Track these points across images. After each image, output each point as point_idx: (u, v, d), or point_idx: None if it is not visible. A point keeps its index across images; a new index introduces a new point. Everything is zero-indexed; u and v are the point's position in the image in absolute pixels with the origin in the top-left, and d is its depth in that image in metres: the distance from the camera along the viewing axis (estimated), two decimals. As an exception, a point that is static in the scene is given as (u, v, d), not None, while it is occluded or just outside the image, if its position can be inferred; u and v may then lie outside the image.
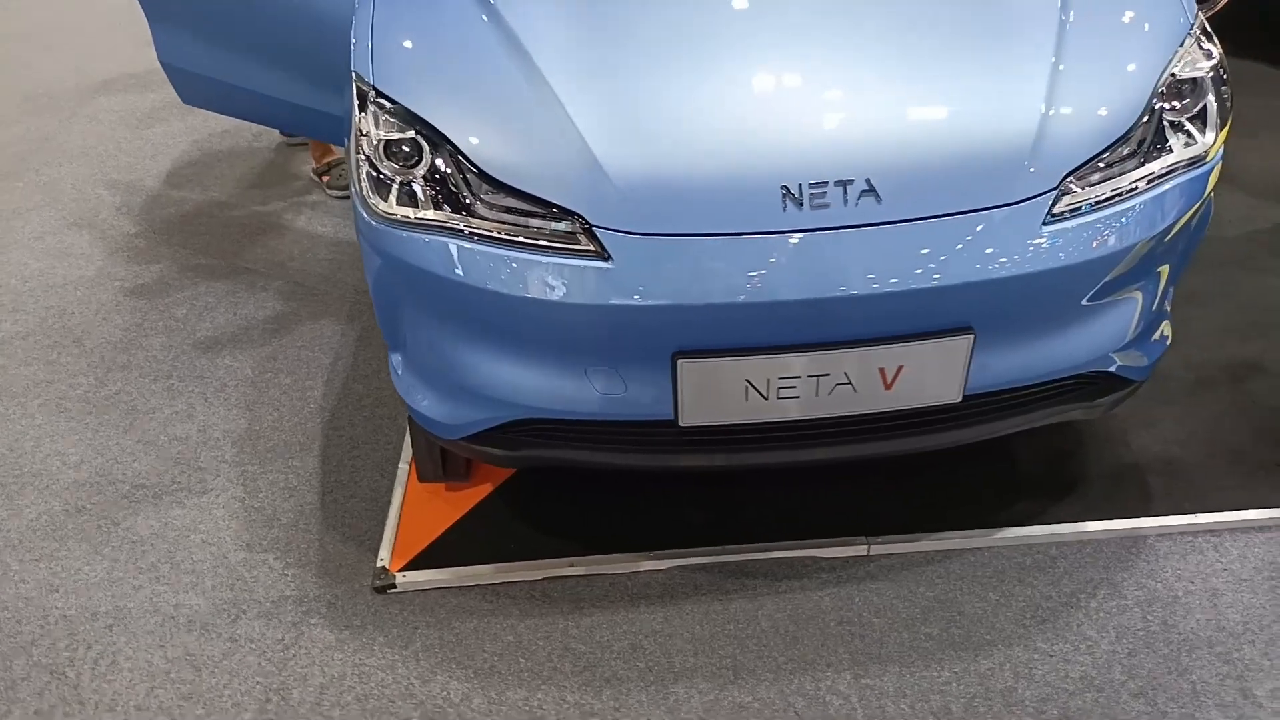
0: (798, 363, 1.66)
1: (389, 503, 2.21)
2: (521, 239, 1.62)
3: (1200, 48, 1.81)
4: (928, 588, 1.99)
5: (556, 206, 1.61)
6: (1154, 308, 1.88)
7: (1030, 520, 2.10)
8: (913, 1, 1.85)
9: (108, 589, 2.07)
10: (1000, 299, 1.65)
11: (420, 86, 1.75)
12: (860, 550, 2.05)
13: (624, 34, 1.79)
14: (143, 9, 2.64)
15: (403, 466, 2.29)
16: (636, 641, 1.91)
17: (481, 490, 2.23)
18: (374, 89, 1.76)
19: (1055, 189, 1.63)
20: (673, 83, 1.71)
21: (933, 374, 1.71)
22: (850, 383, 1.69)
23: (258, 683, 1.86)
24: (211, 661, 1.91)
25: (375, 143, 1.72)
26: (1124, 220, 1.66)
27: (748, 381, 1.68)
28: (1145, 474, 2.21)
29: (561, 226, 1.62)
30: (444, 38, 1.82)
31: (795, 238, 1.58)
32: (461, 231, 1.65)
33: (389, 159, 1.71)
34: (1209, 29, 1.85)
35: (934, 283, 1.59)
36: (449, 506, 2.19)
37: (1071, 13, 1.80)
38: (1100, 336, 1.80)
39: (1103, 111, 1.69)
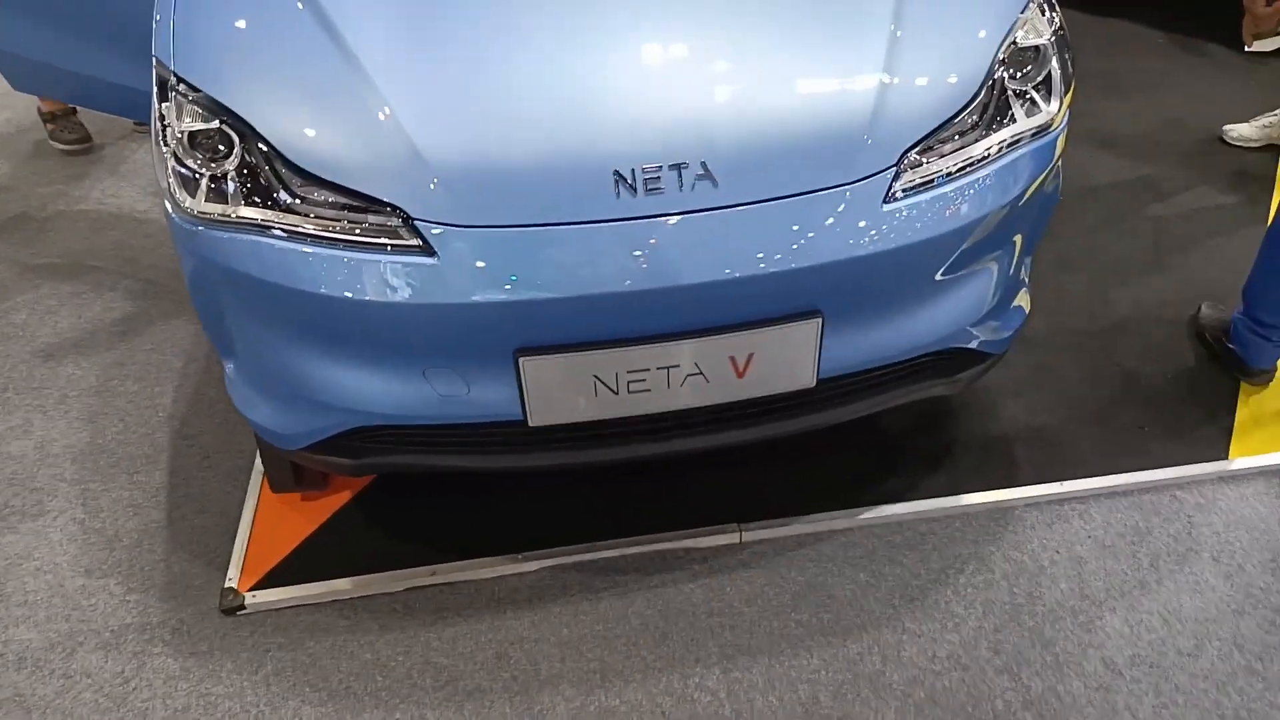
0: (645, 355, 1.59)
1: (239, 517, 2.09)
2: (338, 235, 1.51)
3: (1042, 15, 1.78)
4: (799, 572, 1.96)
5: (374, 199, 1.50)
6: (1009, 279, 1.86)
7: (900, 497, 2.08)
8: None
9: (-71, 630, 1.91)
10: (846, 281, 1.60)
11: (226, 72, 1.61)
12: (732, 538, 2.01)
13: (447, 15, 1.67)
14: None
15: (255, 477, 2.17)
16: (502, 650, 1.83)
17: (339, 499, 2.12)
18: (174, 75, 1.61)
19: (895, 165, 1.58)
20: (497, 65, 1.60)
21: (784, 360, 1.66)
22: (702, 373, 1.63)
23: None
24: (43, 702, 1.78)
25: (179, 134, 1.58)
26: (969, 194, 1.62)
27: (596, 377, 1.60)
28: (1013, 444, 2.21)
29: (380, 221, 1.51)
30: (254, 19, 1.68)
31: (630, 225, 1.50)
32: (274, 229, 1.52)
33: (194, 151, 1.57)
34: (1050, -7, 1.82)
35: (776, 267, 1.53)
36: (304, 518, 2.08)
37: None
38: (955, 312, 1.77)
39: (943, 83, 1.65)
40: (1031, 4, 1.78)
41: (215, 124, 1.56)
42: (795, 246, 1.54)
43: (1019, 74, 1.73)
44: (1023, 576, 1.94)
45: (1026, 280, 2.00)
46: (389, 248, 1.50)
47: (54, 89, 2.85)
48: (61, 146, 3.44)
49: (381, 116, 1.52)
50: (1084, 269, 2.76)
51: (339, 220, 1.52)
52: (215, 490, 2.18)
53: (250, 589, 1.93)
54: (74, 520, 2.13)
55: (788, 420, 1.78)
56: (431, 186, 1.49)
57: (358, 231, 1.51)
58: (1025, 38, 1.73)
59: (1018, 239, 1.83)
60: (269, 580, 1.95)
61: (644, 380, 1.62)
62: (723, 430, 1.76)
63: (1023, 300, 1.98)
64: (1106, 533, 2.02)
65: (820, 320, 1.62)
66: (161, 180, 1.63)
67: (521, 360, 1.56)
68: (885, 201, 1.57)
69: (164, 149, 1.60)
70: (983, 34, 1.71)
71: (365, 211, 1.51)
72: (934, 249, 1.63)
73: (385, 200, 1.50)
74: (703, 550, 2.00)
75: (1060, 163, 1.83)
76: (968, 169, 1.63)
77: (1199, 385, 2.38)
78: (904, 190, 1.58)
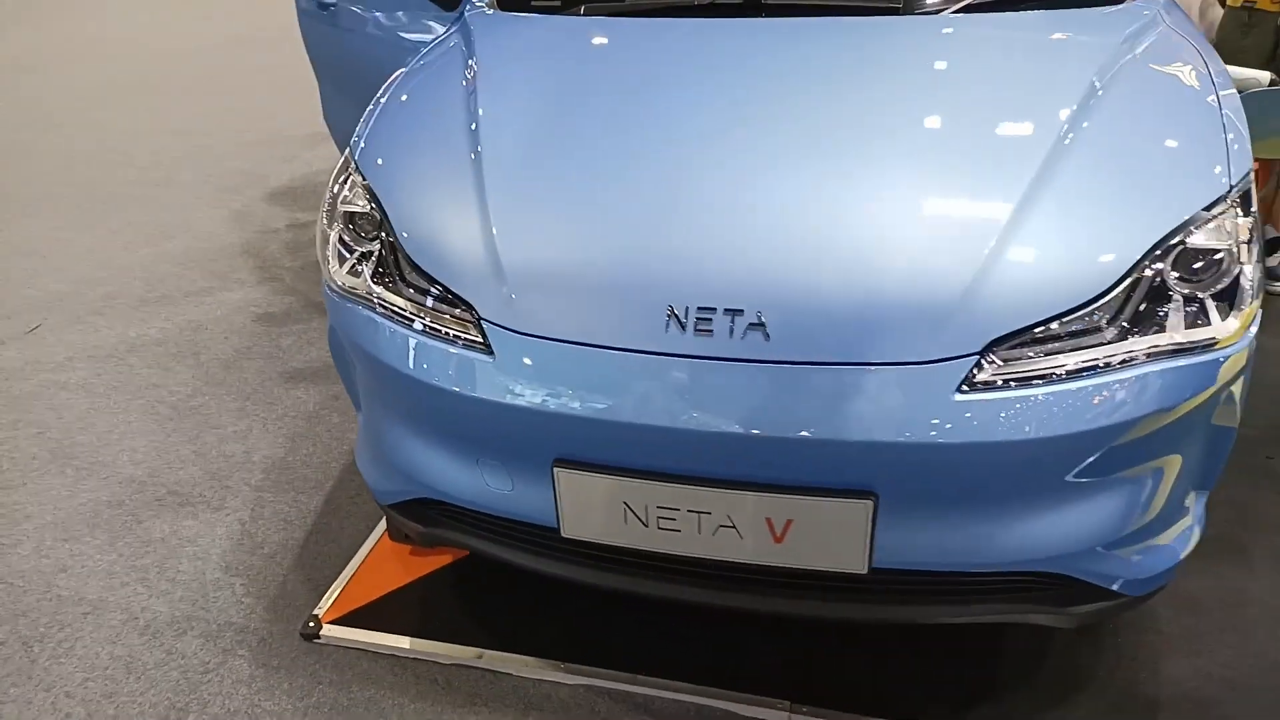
0: (676, 494, 1.54)
1: (355, 553, 2.28)
2: (423, 321, 1.64)
3: (1236, 217, 1.51)
4: (839, 778, 1.74)
5: (454, 294, 1.62)
6: (1151, 510, 1.56)
7: (991, 730, 1.79)
8: (879, 114, 1.71)
9: (103, 579, 2.28)
10: (907, 467, 1.45)
11: (387, 169, 1.83)
12: (780, 714, 1.84)
13: (570, 137, 1.78)
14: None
15: (383, 522, 2.35)
16: (507, 753, 1.82)
17: (440, 560, 2.24)
18: (354, 162, 1.86)
19: (977, 354, 1.41)
20: (591, 190, 1.67)
21: (829, 536, 1.52)
22: (734, 527, 1.54)
23: (167, 698, 1.96)
24: (143, 667, 2.04)
25: (342, 213, 1.81)
26: (1074, 402, 1.40)
27: (626, 504, 1.58)
28: (1164, 713, 1.81)
29: (459, 316, 1.62)
30: (425, 133, 1.90)
31: (669, 361, 1.48)
32: (376, 306, 1.69)
33: (349, 229, 1.80)
34: (1251, 194, 1.54)
35: (816, 435, 1.42)
36: (404, 570, 2.22)
37: (1076, 138, 1.58)
38: (1059, 533, 1.52)
39: (1067, 271, 1.45)
40: (1225, 202, 1.52)
41: (369, 208, 1.78)
42: (844, 418, 1.42)
43: (1191, 278, 1.48)
44: None
45: (1192, 518, 1.66)
46: (459, 341, 1.60)
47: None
48: None
49: (482, 220, 1.65)
50: None
51: (427, 307, 1.65)
52: (351, 525, 2.39)
53: (331, 621, 2.09)
54: (239, 521, 2.44)
55: (834, 604, 1.61)
56: (501, 291, 1.58)
57: (436, 320, 1.63)
58: (1202, 240, 1.48)
59: (1165, 466, 1.54)
60: (349, 618, 2.10)
61: (674, 520, 1.57)
62: (760, 595, 1.64)
63: (1177, 539, 1.65)
64: None
65: (873, 503, 1.47)
66: (320, 253, 1.87)
67: (557, 470, 1.58)
68: (960, 391, 1.41)
69: (327, 224, 1.85)
70: (1139, 224, 1.49)
71: (453, 305, 1.63)
72: (1023, 455, 1.42)
73: (464, 298, 1.61)
74: (744, 718, 1.85)
75: (1236, 389, 1.52)
76: (1080, 373, 1.42)
77: None
78: (987, 382, 1.41)
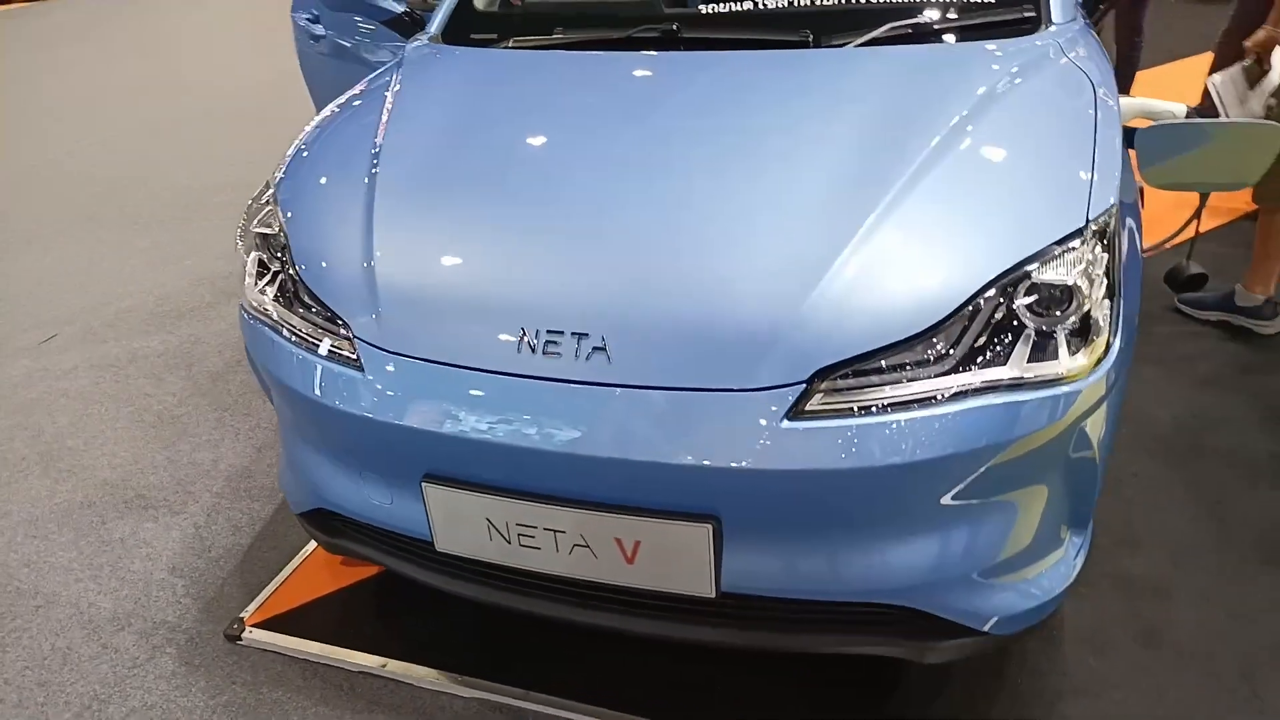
0: (532, 512, 1.58)
1: (289, 561, 2.37)
2: (308, 339, 1.73)
3: (1093, 250, 1.50)
4: (708, 803, 1.75)
5: (336, 315, 1.70)
6: (1000, 548, 1.54)
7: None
8: (745, 146, 1.74)
9: (60, 575, 2.42)
10: (740, 493, 1.47)
11: (295, 191, 1.93)
12: (662, 739, 1.86)
13: (458, 167, 1.85)
14: None
15: (321, 532, 2.44)
16: (392, 759, 1.87)
17: (367, 572, 2.31)
18: (274, 187, 1.97)
19: (804, 382, 1.42)
20: (465, 217, 1.74)
21: (675, 558, 1.54)
22: (588, 546, 1.58)
23: (93, 689, 2.08)
24: (78, 660, 2.16)
25: (254, 232, 1.92)
26: (908, 432, 1.41)
27: (488, 520, 1.63)
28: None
29: (338, 333, 1.70)
30: (337, 148, 2.00)
31: (523, 383, 1.53)
32: (272, 323, 1.78)
33: (264, 249, 1.90)
34: (1112, 229, 1.53)
35: (654, 458, 1.46)
36: (332, 579, 2.30)
37: (935, 169, 1.59)
38: (899, 564, 1.52)
39: (899, 302, 1.46)
40: (1080, 236, 1.51)
41: (278, 230, 1.88)
42: (678, 442, 1.45)
43: (1041, 312, 1.47)
44: None
45: (1062, 556, 1.64)
46: (337, 358, 1.68)
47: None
48: None
49: (365, 240, 1.73)
50: None
51: (314, 323, 1.74)
52: (295, 534, 2.48)
53: (254, 624, 2.18)
54: (194, 525, 2.56)
55: (686, 626, 1.63)
56: (374, 310, 1.66)
57: (318, 337, 1.71)
58: (1052, 274, 1.48)
59: (1018, 502, 1.53)
60: (272, 622, 2.19)
61: (534, 537, 1.61)
62: (618, 614, 1.67)
63: (1045, 578, 1.62)
64: None
65: (713, 527, 1.49)
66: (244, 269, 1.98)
67: (425, 486, 1.64)
68: (789, 419, 1.42)
69: (243, 245, 1.95)
70: (984, 256, 1.49)
71: (335, 323, 1.71)
72: (852, 485, 1.43)
73: (341, 316, 1.69)
74: (629, 741, 1.87)
75: (1092, 426, 1.51)
76: (911, 405, 1.42)
77: None
78: (815, 411, 1.42)
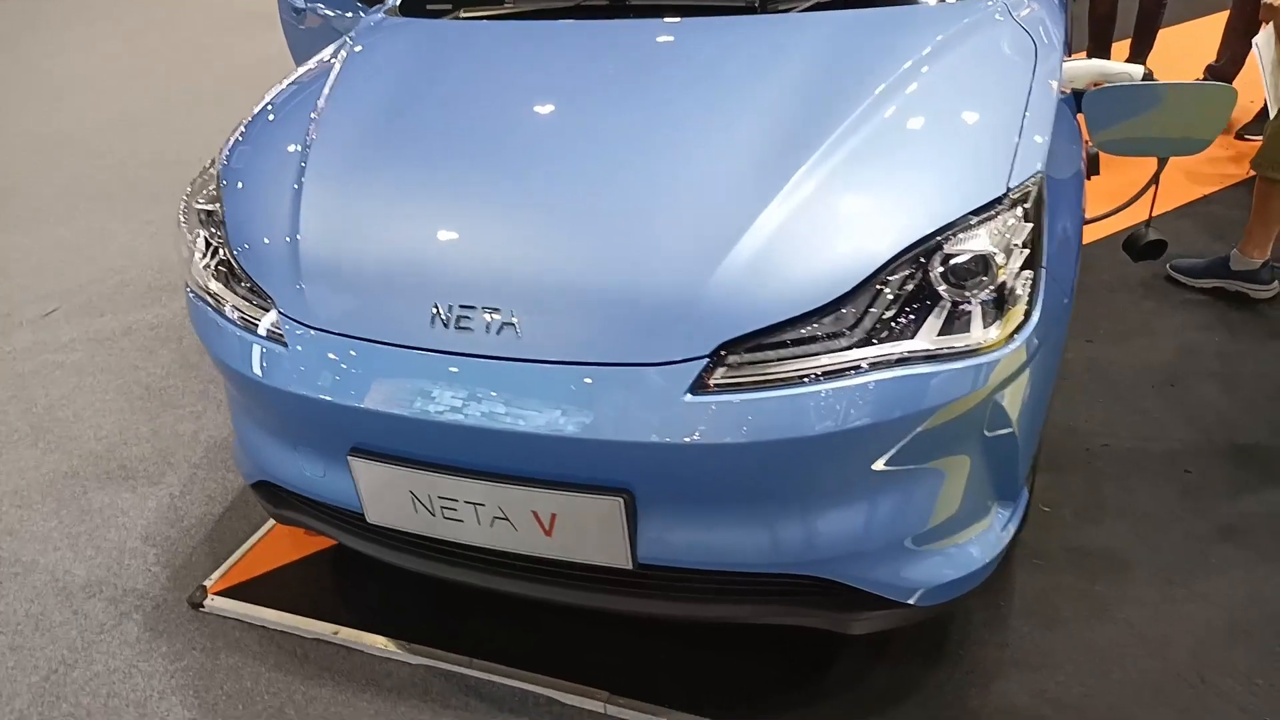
0: (453, 486, 1.60)
1: (255, 531, 2.41)
2: (239, 314, 1.74)
3: (1011, 222, 1.46)
4: (639, 771, 1.77)
5: (265, 292, 1.71)
6: (914, 521, 1.53)
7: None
8: (670, 117, 1.72)
9: (40, 544, 2.49)
10: (647, 466, 1.46)
11: (235, 166, 1.94)
12: (597, 706, 1.87)
13: (388, 141, 1.85)
14: None
15: (289, 502, 2.48)
16: (336, 725, 1.91)
17: (329, 541, 2.34)
18: (219, 164, 1.99)
19: (707, 357, 1.41)
20: (389, 192, 1.74)
21: (591, 531, 1.55)
22: (508, 519, 1.59)
23: (61, 653, 2.14)
24: (49, 625, 2.23)
25: (197, 209, 1.94)
26: (814, 404, 1.39)
27: (412, 493, 1.64)
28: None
29: (267, 308, 1.71)
30: (278, 124, 2.01)
31: (432, 356, 1.54)
32: (208, 298, 1.81)
33: (205, 225, 1.91)
34: (1036, 196, 1.48)
35: (562, 432, 1.46)
36: (294, 549, 2.34)
37: (855, 138, 1.57)
38: (810, 536, 1.51)
39: (805, 275, 1.43)
40: (999, 205, 1.47)
41: (217, 207, 1.89)
42: (584, 417, 1.45)
43: (956, 283, 1.44)
44: None
45: (985, 530, 1.62)
46: (264, 334, 1.70)
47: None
48: None
49: (291, 228, 1.74)
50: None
51: (247, 299, 1.75)
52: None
53: (216, 592, 2.23)
54: (170, 495, 2.62)
55: (606, 596, 1.64)
56: (297, 286, 1.67)
57: (251, 314, 1.73)
58: (967, 243, 1.44)
59: (932, 474, 1.51)
60: (233, 590, 2.24)
61: (456, 509, 1.62)
62: (543, 584, 1.68)
63: (967, 552, 1.60)
64: None
65: (625, 499, 1.49)
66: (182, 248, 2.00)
67: (352, 459, 1.66)
68: (692, 393, 1.41)
69: (186, 222, 1.97)
70: (896, 226, 1.46)
71: (264, 298, 1.73)
72: (758, 458, 1.42)
73: (269, 292, 1.70)
74: (564, 707, 1.89)
75: (1009, 398, 1.48)
76: (817, 377, 1.40)
77: None
78: (718, 385, 1.41)
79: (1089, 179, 1.96)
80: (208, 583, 2.27)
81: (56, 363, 3.37)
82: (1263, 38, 2.90)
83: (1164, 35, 5.02)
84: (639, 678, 1.92)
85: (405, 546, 1.77)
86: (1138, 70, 1.87)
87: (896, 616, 1.61)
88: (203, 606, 2.21)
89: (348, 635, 2.09)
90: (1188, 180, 3.88)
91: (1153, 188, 1.90)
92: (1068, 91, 1.87)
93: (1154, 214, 1.90)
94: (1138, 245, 1.95)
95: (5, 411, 3.09)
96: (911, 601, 1.58)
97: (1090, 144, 1.87)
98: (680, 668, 1.94)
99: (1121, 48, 5.09)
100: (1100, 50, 4.98)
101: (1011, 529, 1.65)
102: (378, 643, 2.07)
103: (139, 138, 5.95)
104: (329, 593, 2.22)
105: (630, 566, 1.56)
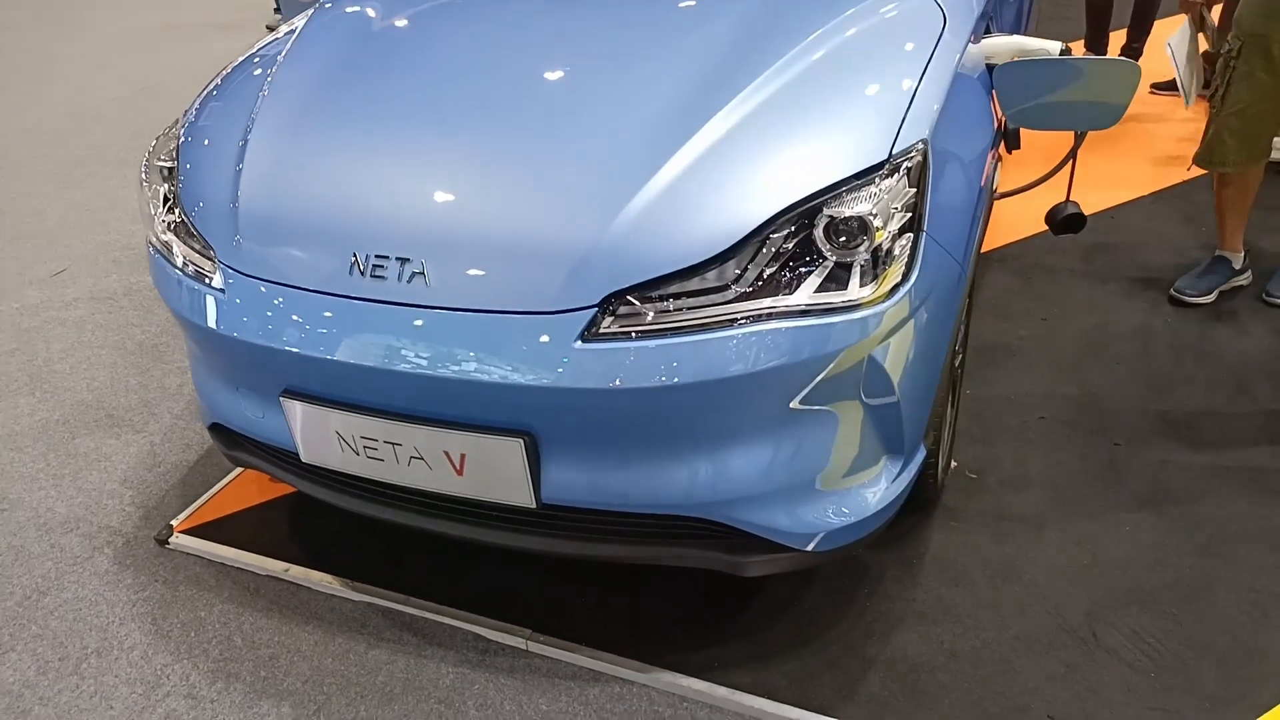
0: (373, 426, 1.71)
1: (224, 476, 2.56)
2: (186, 261, 1.87)
3: (894, 186, 1.54)
4: (550, 702, 1.88)
5: (207, 241, 1.84)
6: (797, 469, 1.61)
7: (703, 673, 1.87)
8: (580, 76, 1.81)
9: (27, 484, 2.65)
10: (544, 410, 1.57)
11: (192, 125, 2.07)
12: (519, 643, 1.99)
13: (328, 101, 1.96)
14: None
15: (258, 450, 2.62)
16: (277, 654, 2.04)
17: (291, 487, 2.48)
18: (182, 124, 2.11)
19: (596, 306, 1.51)
20: (321, 148, 1.85)
21: (496, 470, 1.66)
22: (423, 458, 1.70)
23: (36, 582, 2.30)
24: (28, 556, 2.39)
25: (157, 165, 2.06)
26: (682, 355, 1.48)
27: (338, 433, 1.76)
28: (874, 672, 1.85)
29: (209, 257, 1.83)
30: (236, 88, 2.12)
31: (349, 304, 1.65)
32: (160, 248, 1.93)
33: (164, 182, 2.04)
34: (920, 164, 1.56)
35: (465, 376, 1.56)
36: (259, 492, 2.48)
37: (753, 100, 1.66)
38: (696, 480, 1.61)
39: (687, 229, 1.53)
40: (882, 170, 1.55)
41: (173, 163, 2.02)
42: (485, 362, 1.56)
43: (835, 243, 1.53)
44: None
45: (872, 482, 1.70)
46: (205, 280, 1.82)
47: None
48: None
49: (234, 181, 1.86)
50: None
51: (196, 249, 1.88)
52: (235, 452, 2.67)
53: (182, 531, 2.38)
54: (150, 442, 2.77)
55: (512, 534, 1.75)
56: (234, 234, 1.79)
57: (194, 262, 1.86)
58: (847, 205, 1.52)
59: (820, 424, 1.60)
60: (198, 530, 2.38)
61: (376, 449, 1.74)
62: (456, 522, 1.79)
63: (856, 501, 1.69)
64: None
65: (526, 441, 1.60)
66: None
67: (284, 400, 1.78)
68: (582, 340, 1.51)
69: (146, 177, 2.10)
70: (780, 185, 1.54)
71: (207, 247, 1.85)
72: (642, 403, 1.52)
73: (210, 243, 1.83)
74: (489, 643, 2.00)
75: (886, 355, 1.56)
76: (699, 328, 1.50)
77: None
78: (607, 333, 1.51)
79: (1010, 152, 2.02)
80: (175, 522, 2.41)
81: (60, 319, 3.54)
82: (1176, 39, 2.98)
83: (1160, 26, 4.99)
84: (559, 618, 2.03)
85: (336, 485, 1.89)
86: (1055, 45, 1.92)
87: (787, 560, 1.70)
88: (168, 544, 2.36)
89: (297, 573, 2.22)
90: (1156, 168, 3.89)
91: (1070, 162, 1.96)
92: (985, 67, 1.93)
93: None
94: (1056, 218, 2.01)
95: (7, 363, 3.27)
96: (802, 547, 1.67)
97: (1004, 117, 1.94)
98: (598, 609, 2.04)
99: (1118, 37, 5.08)
100: (1096, 38, 4.98)
101: (903, 482, 1.73)
102: (324, 580, 2.20)
103: (160, 106, 6.13)
104: (284, 533, 2.35)
105: (534, 506, 1.67)
